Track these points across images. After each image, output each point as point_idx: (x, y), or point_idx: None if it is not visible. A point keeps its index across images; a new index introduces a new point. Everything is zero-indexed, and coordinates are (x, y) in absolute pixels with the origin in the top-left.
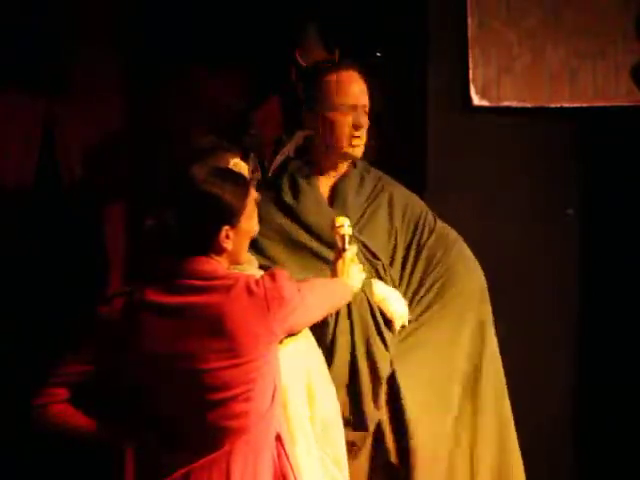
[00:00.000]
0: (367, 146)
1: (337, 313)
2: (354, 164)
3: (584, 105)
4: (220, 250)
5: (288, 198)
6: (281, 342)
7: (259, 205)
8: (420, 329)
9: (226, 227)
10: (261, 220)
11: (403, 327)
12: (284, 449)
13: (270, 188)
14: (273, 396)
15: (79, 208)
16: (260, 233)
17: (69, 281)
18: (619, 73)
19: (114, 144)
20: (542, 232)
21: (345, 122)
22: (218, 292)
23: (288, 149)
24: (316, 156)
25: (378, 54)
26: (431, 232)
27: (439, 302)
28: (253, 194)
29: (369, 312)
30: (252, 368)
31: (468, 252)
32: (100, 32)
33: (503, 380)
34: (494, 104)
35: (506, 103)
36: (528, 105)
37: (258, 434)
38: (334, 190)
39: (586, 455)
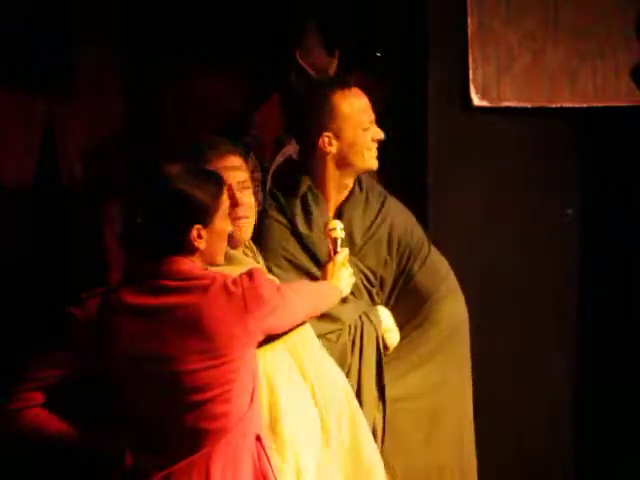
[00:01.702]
0: None
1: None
2: (360, 183)
3: (584, 105)
4: (192, 250)
5: (303, 229)
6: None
7: (273, 230)
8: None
9: (198, 226)
10: (272, 248)
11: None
12: (264, 450)
13: (283, 213)
14: (252, 397)
15: (79, 208)
16: (272, 261)
17: (68, 281)
18: (619, 73)
19: (114, 144)
20: (542, 232)
21: (367, 138)
22: (195, 292)
23: (289, 150)
24: (325, 176)
25: (378, 54)
26: (423, 263)
27: (425, 339)
28: (225, 194)
29: (375, 349)
30: (231, 369)
31: (456, 288)
32: (100, 32)
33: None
34: (494, 104)
35: (506, 103)
36: (528, 105)
37: (238, 435)
38: (340, 212)
39: (586, 455)
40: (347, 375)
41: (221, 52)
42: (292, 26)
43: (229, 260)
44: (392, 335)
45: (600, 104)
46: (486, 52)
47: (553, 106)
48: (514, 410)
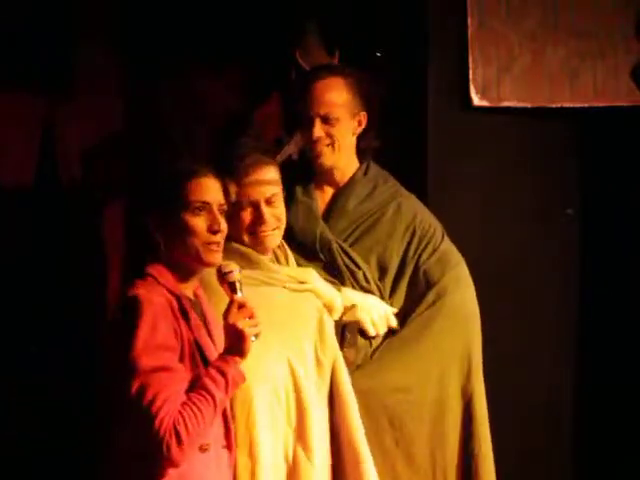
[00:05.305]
0: (369, 146)
1: None
2: (365, 171)
3: (584, 105)
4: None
5: None
6: None
7: None
8: (403, 350)
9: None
10: None
11: (393, 332)
12: None
13: None
14: None
15: (79, 208)
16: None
17: (68, 281)
18: (619, 73)
19: (114, 144)
20: (542, 232)
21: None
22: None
23: (290, 149)
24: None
25: (378, 54)
26: (434, 252)
27: (429, 325)
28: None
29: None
30: None
31: (465, 278)
32: (100, 32)
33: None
34: (494, 104)
35: (506, 103)
36: (528, 105)
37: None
38: (335, 197)
39: (586, 455)
40: None
41: (221, 52)
42: (292, 26)
43: (256, 264)
44: (361, 310)
45: (600, 104)
46: (486, 52)
47: (553, 106)
48: (514, 410)
